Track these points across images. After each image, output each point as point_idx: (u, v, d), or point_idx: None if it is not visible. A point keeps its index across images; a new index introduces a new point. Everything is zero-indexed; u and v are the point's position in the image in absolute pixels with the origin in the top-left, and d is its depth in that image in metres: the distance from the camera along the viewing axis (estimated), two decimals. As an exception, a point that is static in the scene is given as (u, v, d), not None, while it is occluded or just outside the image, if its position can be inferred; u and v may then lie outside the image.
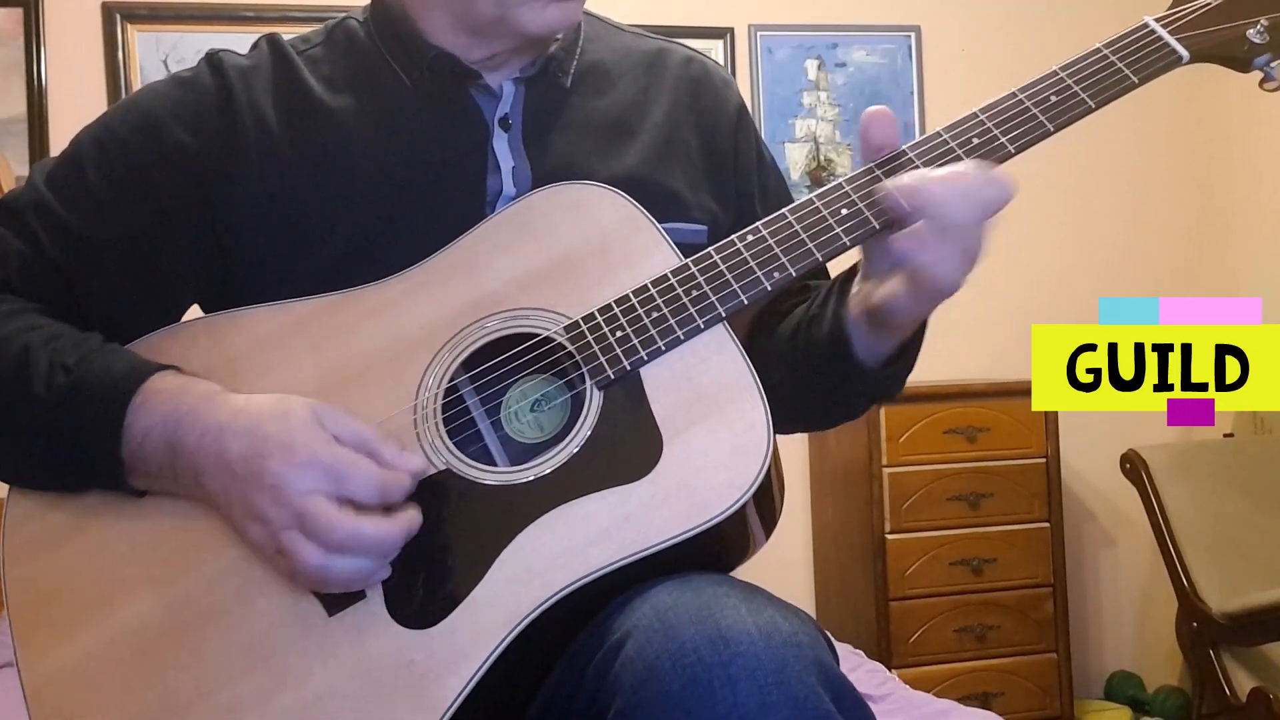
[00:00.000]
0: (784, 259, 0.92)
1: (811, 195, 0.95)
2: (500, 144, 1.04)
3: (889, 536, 2.83)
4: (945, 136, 0.95)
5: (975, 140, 0.95)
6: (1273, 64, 1.02)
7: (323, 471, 0.82)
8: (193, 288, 1.03)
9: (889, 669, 2.31)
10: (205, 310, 1.04)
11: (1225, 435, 3.20)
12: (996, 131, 0.95)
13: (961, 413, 2.88)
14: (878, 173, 0.95)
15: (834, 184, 0.95)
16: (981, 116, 0.96)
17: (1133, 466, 2.88)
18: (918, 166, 0.93)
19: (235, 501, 0.85)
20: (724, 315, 0.91)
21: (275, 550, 0.83)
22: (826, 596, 3.12)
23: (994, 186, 0.89)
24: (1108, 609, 3.38)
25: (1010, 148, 0.95)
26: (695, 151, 1.11)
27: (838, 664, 0.80)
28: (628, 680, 0.75)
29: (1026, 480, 2.91)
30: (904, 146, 0.95)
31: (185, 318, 1.02)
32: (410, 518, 0.84)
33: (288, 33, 1.11)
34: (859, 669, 2.13)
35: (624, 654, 0.77)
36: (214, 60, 1.04)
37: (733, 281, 0.92)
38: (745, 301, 0.91)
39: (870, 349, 0.98)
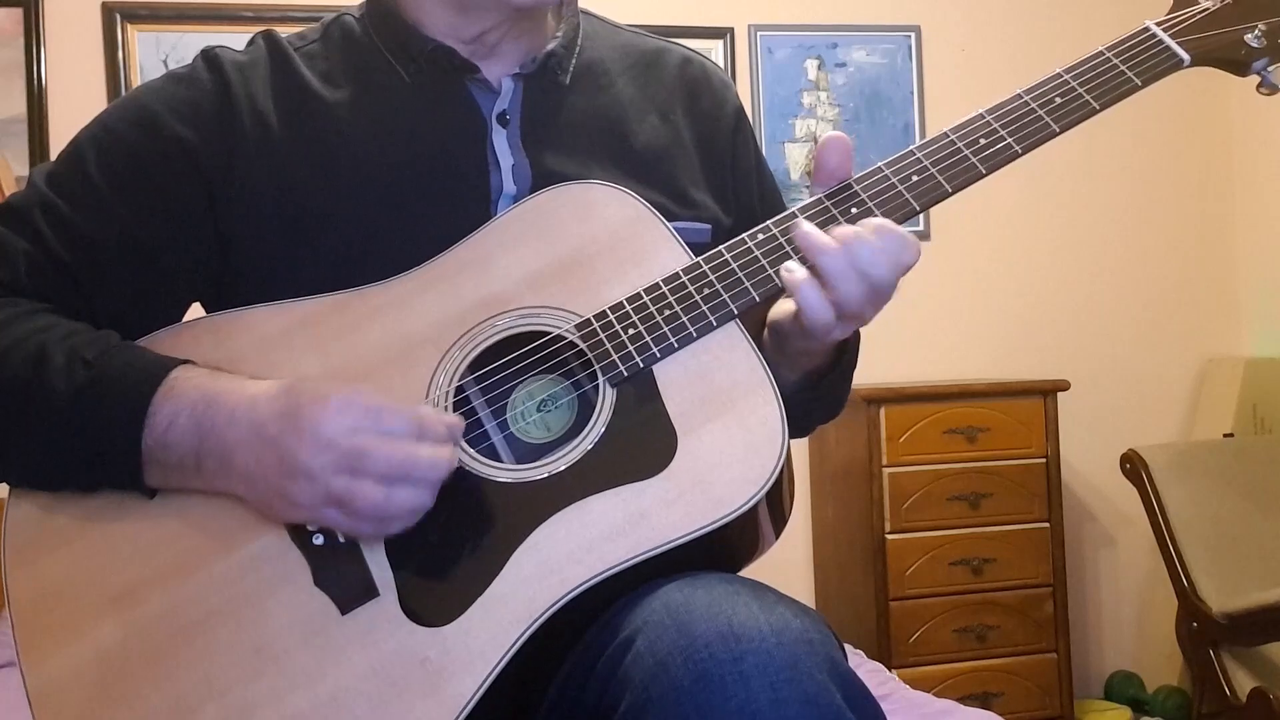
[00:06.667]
0: (795, 256, 0.92)
1: (821, 195, 0.95)
2: (499, 140, 1.04)
3: (889, 536, 2.83)
4: (953, 137, 0.96)
5: (982, 141, 0.95)
6: (1270, 68, 1.02)
7: (361, 411, 0.83)
8: (194, 284, 1.02)
9: (889, 669, 2.31)
10: (207, 310, 1.04)
11: (1225, 435, 3.20)
12: (1004, 133, 0.96)
13: (961, 413, 2.88)
14: (886, 172, 0.96)
15: (843, 183, 0.96)
16: (988, 118, 0.97)
17: (1133, 466, 2.88)
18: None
19: (270, 467, 0.84)
20: (736, 312, 0.91)
21: (327, 500, 0.82)
22: (826, 596, 3.12)
23: (900, 255, 0.89)
24: (1108, 609, 3.39)
25: (1017, 149, 0.96)
26: (693, 152, 1.12)
27: (847, 662, 0.80)
28: (638, 676, 0.75)
29: (1026, 480, 2.91)
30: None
31: (186, 318, 1.02)
32: (453, 448, 0.84)
33: (287, 33, 1.10)
34: (859, 669, 2.10)
35: (635, 650, 0.77)
36: (210, 56, 1.04)
37: (744, 279, 0.92)
38: (758, 299, 0.92)
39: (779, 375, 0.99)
